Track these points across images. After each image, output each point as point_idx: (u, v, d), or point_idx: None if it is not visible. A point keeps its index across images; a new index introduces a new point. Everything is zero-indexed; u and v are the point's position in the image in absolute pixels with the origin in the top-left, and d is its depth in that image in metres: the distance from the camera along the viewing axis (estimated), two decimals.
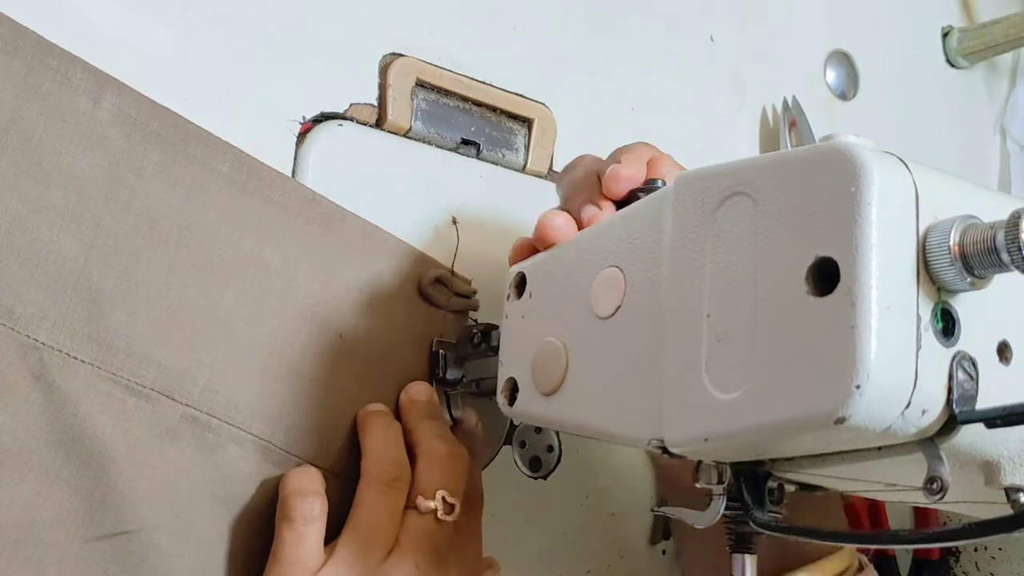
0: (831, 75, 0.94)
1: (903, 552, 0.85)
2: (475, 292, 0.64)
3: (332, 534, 0.53)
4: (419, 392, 0.59)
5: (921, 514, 0.85)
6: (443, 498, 0.53)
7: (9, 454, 0.47)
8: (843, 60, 0.95)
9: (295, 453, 0.55)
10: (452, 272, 0.63)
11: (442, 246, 0.64)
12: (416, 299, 0.61)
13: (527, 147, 0.71)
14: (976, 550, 0.86)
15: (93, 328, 0.49)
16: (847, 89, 0.95)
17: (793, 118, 0.87)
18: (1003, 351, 0.37)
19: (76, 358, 0.49)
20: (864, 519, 0.81)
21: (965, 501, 0.45)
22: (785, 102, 0.87)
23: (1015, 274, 0.35)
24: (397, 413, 0.58)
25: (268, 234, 0.56)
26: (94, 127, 0.50)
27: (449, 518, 0.53)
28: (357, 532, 0.52)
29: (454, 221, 0.64)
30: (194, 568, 0.51)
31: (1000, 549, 0.86)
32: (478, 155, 0.68)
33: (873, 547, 0.81)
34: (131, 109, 0.52)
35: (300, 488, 0.52)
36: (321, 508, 0.52)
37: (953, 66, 1.06)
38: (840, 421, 0.33)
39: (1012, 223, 0.33)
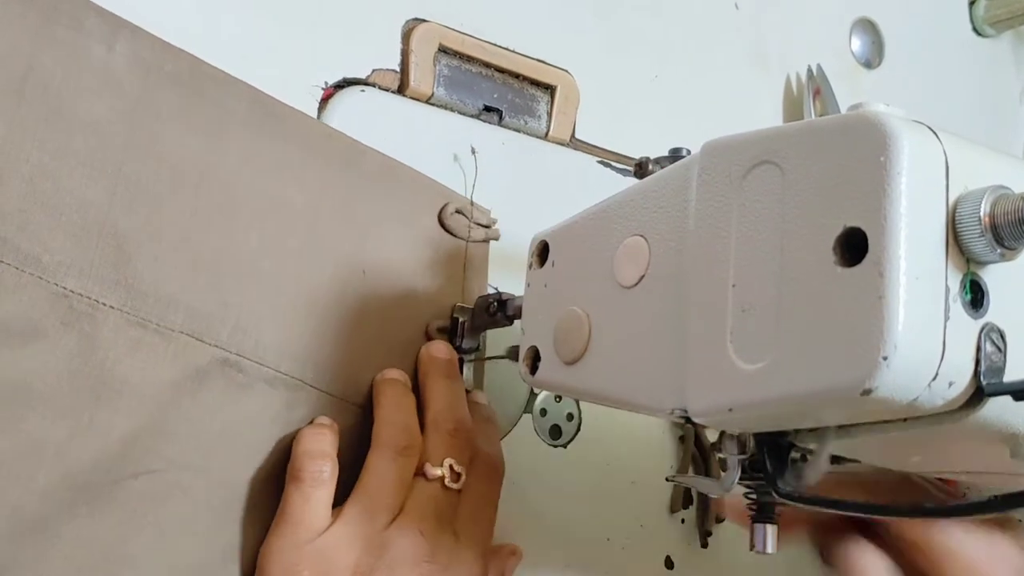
0: (856, 43, 0.93)
1: None
2: (495, 222, 0.64)
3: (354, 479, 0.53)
4: (439, 349, 0.59)
5: None
6: (450, 466, 0.54)
7: (41, 399, 0.47)
8: (868, 28, 0.94)
9: (325, 390, 0.55)
10: (472, 203, 0.63)
11: (461, 181, 0.64)
12: (437, 230, 0.62)
13: (549, 114, 0.70)
14: None
15: (120, 274, 0.50)
16: (872, 57, 0.94)
17: (818, 86, 0.86)
18: None
19: (104, 304, 0.49)
20: None
21: (988, 473, 0.45)
22: (809, 70, 0.86)
23: None
24: (414, 366, 0.59)
25: (288, 173, 0.56)
26: (110, 72, 0.50)
27: (455, 486, 0.54)
28: (365, 497, 0.52)
29: (473, 151, 0.64)
30: (219, 506, 0.52)
31: (1019, 521, 0.86)
32: (500, 122, 0.68)
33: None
34: (145, 52, 0.52)
35: (311, 450, 0.53)
36: (331, 471, 0.52)
37: (980, 34, 1.05)
38: (866, 392, 0.33)
39: None
